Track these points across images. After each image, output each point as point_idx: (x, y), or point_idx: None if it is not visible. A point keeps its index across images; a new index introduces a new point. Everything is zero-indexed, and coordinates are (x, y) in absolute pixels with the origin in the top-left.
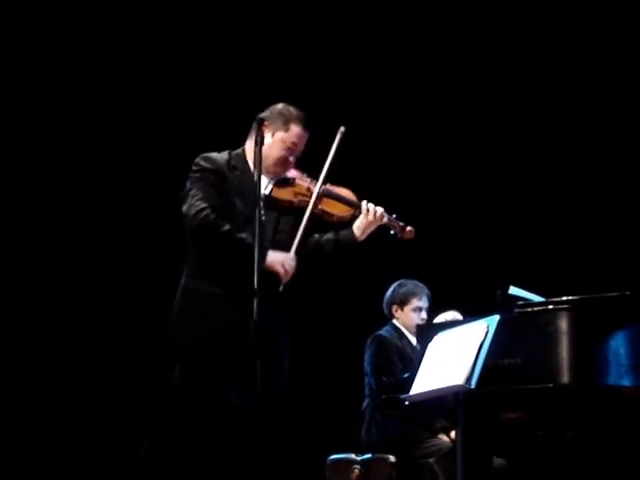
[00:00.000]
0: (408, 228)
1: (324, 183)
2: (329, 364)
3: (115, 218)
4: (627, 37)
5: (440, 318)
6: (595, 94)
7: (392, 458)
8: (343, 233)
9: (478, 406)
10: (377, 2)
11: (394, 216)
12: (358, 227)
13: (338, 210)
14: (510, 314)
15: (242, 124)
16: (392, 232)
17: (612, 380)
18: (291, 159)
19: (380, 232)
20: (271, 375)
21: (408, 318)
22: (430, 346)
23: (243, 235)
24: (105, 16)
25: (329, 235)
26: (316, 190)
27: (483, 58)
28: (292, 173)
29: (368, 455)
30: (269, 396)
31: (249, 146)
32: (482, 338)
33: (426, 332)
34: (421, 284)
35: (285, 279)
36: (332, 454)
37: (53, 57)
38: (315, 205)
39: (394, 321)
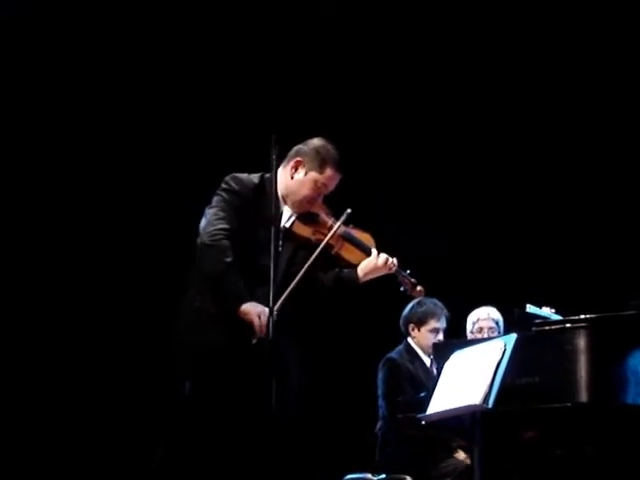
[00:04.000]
0: (418, 288)
1: (346, 224)
2: (346, 384)
3: (123, 224)
4: (627, 37)
5: (473, 315)
6: (604, 98)
7: (408, 478)
8: (346, 271)
9: (495, 425)
10: (375, 2)
11: (408, 272)
12: (362, 268)
13: (354, 257)
14: (528, 333)
15: (254, 138)
16: (402, 288)
17: (630, 399)
18: (319, 200)
19: (389, 283)
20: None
21: (424, 338)
22: (447, 365)
23: (234, 280)
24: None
25: (331, 272)
26: (331, 232)
27: (481, 62)
28: (318, 206)
29: (383, 475)
30: (277, 416)
31: (281, 175)
32: (499, 357)
33: (442, 350)
34: (440, 304)
35: (258, 331)
36: (348, 474)
37: (58, 64)
38: (331, 247)
39: (409, 340)
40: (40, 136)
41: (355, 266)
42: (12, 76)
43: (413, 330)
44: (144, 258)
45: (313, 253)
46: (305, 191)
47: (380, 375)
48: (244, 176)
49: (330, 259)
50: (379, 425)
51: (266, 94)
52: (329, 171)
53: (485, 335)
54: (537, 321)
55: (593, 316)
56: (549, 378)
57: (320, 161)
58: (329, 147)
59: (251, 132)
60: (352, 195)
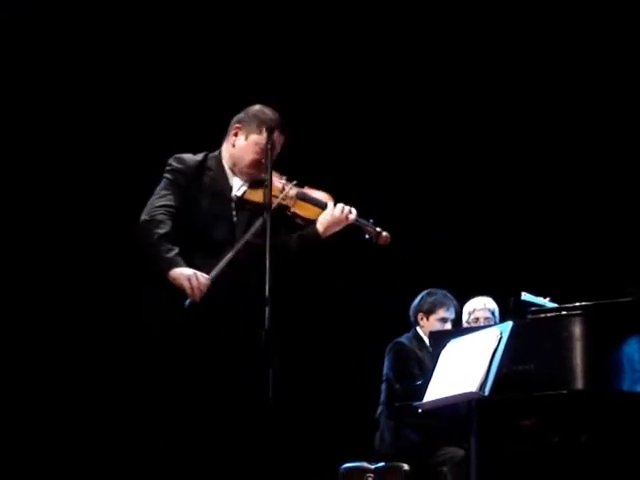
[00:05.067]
0: (384, 234)
1: (300, 185)
2: (343, 371)
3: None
4: (627, 37)
5: (469, 305)
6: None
7: (405, 466)
8: (307, 229)
9: (492, 413)
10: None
11: (371, 221)
12: (321, 222)
13: (311, 213)
14: (523, 320)
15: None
16: (367, 237)
17: (626, 386)
18: (265, 160)
19: (353, 235)
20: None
21: (432, 327)
22: (443, 353)
23: (164, 249)
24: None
25: (294, 235)
26: (284, 193)
27: (480, 60)
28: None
29: (381, 463)
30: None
31: (225, 147)
32: (495, 345)
33: (439, 339)
34: (450, 295)
35: (191, 294)
36: (345, 462)
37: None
38: (286, 207)
39: (417, 329)
40: (40, 136)
41: (314, 222)
42: (12, 76)
43: (422, 319)
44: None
45: (271, 220)
46: (250, 155)
47: (387, 359)
48: (186, 155)
49: (288, 220)
50: (380, 410)
51: (265, 90)
52: (269, 130)
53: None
54: (533, 309)
55: (589, 303)
56: (545, 366)
57: (258, 122)
58: (266, 109)
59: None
60: (350, 187)
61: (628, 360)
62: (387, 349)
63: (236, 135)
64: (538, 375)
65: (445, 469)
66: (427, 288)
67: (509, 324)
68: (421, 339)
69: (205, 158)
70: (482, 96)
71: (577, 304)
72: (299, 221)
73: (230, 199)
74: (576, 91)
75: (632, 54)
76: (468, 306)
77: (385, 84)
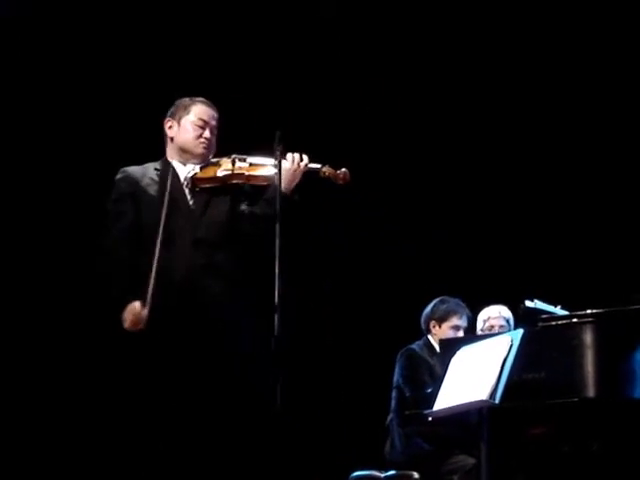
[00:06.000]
0: (342, 170)
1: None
2: (353, 378)
3: None
4: (627, 37)
5: (484, 313)
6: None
7: (416, 475)
8: (268, 191)
9: (502, 421)
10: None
11: (326, 165)
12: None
13: (266, 171)
14: (534, 328)
15: None
16: (326, 175)
17: (638, 393)
18: (207, 135)
19: (316, 183)
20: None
21: (444, 335)
22: (453, 361)
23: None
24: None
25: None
26: (239, 164)
27: (480, 61)
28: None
29: (392, 472)
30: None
31: (168, 148)
32: (506, 352)
33: (449, 346)
34: (463, 304)
35: (133, 329)
36: (355, 470)
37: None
38: (241, 175)
39: (429, 336)
40: (39, 136)
41: (272, 181)
42: (12, 76)
43: (434, 327)
44: None
45: (228, 192)
46: (188, 135)
47: (398, 365)
48: (131, 168)
49: (247, 189)
50: (390, 417)
51: (270, 91)
52: (195, 107)
53: None
54: (543, 316)
55: (600, 311)
56: (556, 373)
57: (181, 107)
58: (184, 98)
59: (255, 129)
60: (352, 193)
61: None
62: (398, 356)
63: (170, 128)
64: (549, 383)
65: (455, 478)
66: (439, 296)
67: (520, 331)
68: (432, 347)
69: (150, 164)
70: (491, 101)
71: (588, 311)
72: (258, 183)
73: (182, 185)
74: (584, 95)
75: (632, 54)
76: (483, 314)
77: (386, 85)
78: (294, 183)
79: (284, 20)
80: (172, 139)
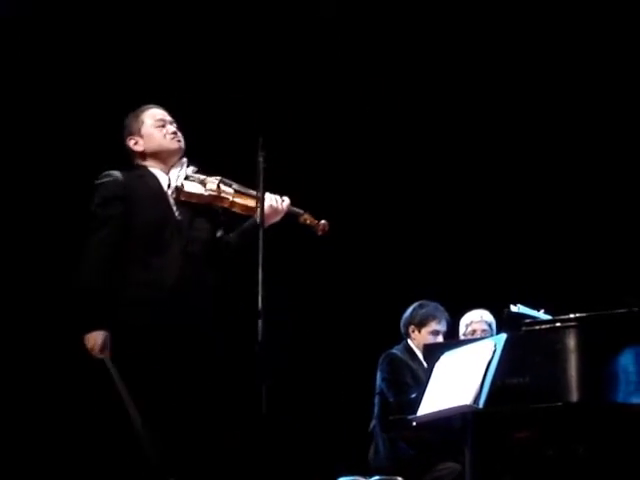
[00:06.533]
0: (322, 222)
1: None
2: (335, 383)
3: None
4: (627, 37)
5: (466, 317)
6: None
7: (400, 479)
8: (246, 223)
9: (486, 426)
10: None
11: (307, 211)
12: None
13: (250, 202)
14: (517, 332)
15: None
16: (306, 222)
17: (621, 398)
18: (171, 129)
19: (296, 228)
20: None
21: (424, 340)
22: (437, 366)
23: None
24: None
25: (235, 231)
26: (224, 188)
27: (479, 62)
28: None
29: (376, 477)
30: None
31: (142, 163)
32: (490, 357)
33: (433, 351)
34: (442, 308)
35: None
36: (340, 476)
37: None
38: (226, 200)
39: (408, 341)
40: (39, 136)
41: (252, 215)
42: (12, 76)
43: (414, 332)
44: None
45: (208, 213)
46: (156, 137)
47: (380, 369)
48: (113, 175)
49: (223, 216)
50: (373, 424)
51: (254, 96)
52: (146, 113)
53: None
54: (527, 321)
55: (583, 315)
56: (540, 378)
57: (133, 121)
58: (128, 115)
59: (238, 135)
60: (340, 198)
61: (623, 371)
62: (380, 360)
63: (137, 144)
64: (533, 387)
65: None
66: (420, 300)
67: (503, 336)
68: (412, 351)
69: (133, 171)
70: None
71: (571, 316)
72: (239, 211)
73: (167, 195)
74: (582, 97)
75: (632, 54)
76: (465, 319)
77: (385, 87)
78: (273, 220)
79: (284, 20)
80: (143, 153)
